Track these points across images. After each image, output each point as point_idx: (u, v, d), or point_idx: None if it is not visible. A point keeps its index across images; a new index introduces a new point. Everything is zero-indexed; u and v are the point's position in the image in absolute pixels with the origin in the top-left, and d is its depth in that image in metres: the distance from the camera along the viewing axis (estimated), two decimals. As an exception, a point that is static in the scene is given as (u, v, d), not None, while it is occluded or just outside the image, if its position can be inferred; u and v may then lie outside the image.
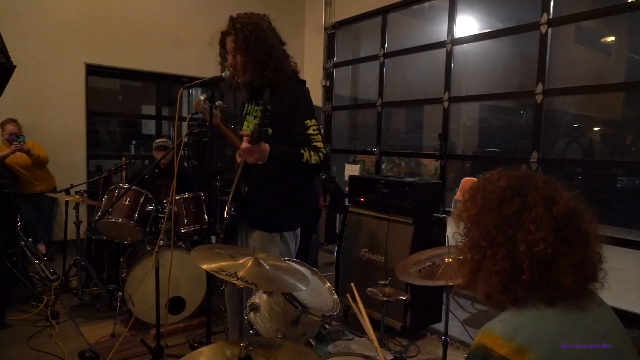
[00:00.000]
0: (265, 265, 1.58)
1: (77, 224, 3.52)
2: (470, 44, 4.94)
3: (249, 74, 2.09)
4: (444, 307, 2.80)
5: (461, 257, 1.06)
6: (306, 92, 2.12)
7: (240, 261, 1.58)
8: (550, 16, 4.01)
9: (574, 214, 0.97)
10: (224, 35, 2.11)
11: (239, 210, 2.08)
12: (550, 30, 4.03)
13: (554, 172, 4.31)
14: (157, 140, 4.18)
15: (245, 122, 2.24)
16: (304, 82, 2.18)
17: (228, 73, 2.07)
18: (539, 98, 4.09)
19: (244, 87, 2.21)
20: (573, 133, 5.13)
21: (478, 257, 1.01)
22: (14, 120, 4.63)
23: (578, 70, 5.14)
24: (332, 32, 6.55)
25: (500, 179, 1.03)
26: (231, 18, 2.10)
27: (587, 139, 5.33)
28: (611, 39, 5.62)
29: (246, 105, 2.28)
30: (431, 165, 6.42)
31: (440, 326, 3.31)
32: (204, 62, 5.73)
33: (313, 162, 1.91)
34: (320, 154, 1.94)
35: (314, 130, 1.97)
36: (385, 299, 2.34)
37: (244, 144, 1.75)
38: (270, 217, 2.11)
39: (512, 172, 1.06)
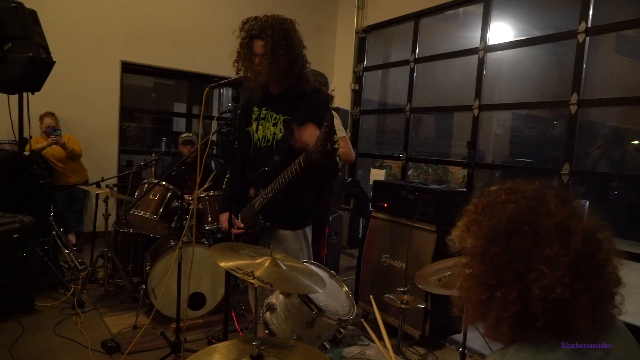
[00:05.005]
0: (282, 265, 1.58)
1: (106, 216, 3.63)
2: (504, 51, 4.84)
3: (271, 80, 2.11)
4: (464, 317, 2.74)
5: (464, 287, 0.94)
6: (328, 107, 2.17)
7: (258, 260, 1.58)
8: (589, 25, 3.89)
9: (590, 243, 0.86)
10: (252, 36, 2.04)
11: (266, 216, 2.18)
12: (588, 39, 3.91)
13: (586, 185, 4.18)
14: (183, 135, 4.30)
15: (260, 127, 2.19)
16: (326, 94, 2.25)
17: (250, 75, 2.07)
18: (573, 108, 3.96)
19: (258, 89, 2.17)
20: (609, 146, 4.95)
21: (485, 297, 0.89)
22: (52, 114, 4.81)
23: (618, 81, 4.95)
24: (363, 36, 6.54)
25: (508, 202, 0.90)
26: (261, 20, 2.04)
27: (624, 152, 5.13)
28: (655, 49, 5.39)
29: (257, 108, 2.23)
30: (459, 173, 6.31)
31: (460, 337, 3.24)
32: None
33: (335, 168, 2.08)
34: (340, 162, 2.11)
35: (337, 145, 2.07)
36: (403, 306, 2.31)
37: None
38: (294, 217, 2.22)
39: (521, 190, 0.92)
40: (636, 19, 3.83)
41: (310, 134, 1.87)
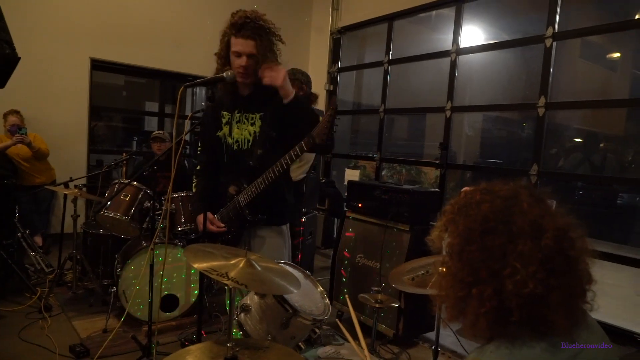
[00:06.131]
0: (257, 266, 1.58)
1: (75, 217, 3.53)
2: (475, 54, 4.95)
3: (252, 80, 2.11)
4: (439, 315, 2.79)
5: (442, 285, 0.97)
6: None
7: (232, 261, 1.57)
8: (556, 30, 4.02)
9: (562, 240, 0.89)
10: (245, 36, 2.02)
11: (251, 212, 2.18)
12: (555, 44, 4.04)
13: (553, 185, 4.31)
14: (154, 132, 4.30)
15: (236, 130, 2.19)
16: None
17: (230, 74, 2.06)
18: (540, 111, 4.09)
19: (227, 93, 2.19)
20: (575, 147, 5.12)
21: (462, 294, 0.92)
22: (17, 112, 4.65)
23: (582, 85, 5.14)
24: (338, 37, 6.57)
25: (483, 202, 0.94)
26: (252, 19, 2.02)
27: (589, 154, 5.32)
28: (617, 55, 5.62)
29: (228, 112, 2.22)
30: (432, 174, 6.40)
31: (433, 335, 3.30)
32: (208, 62, 5.76)
33: None
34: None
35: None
36: (377, 305, 2.33)
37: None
38: (277, 212, 2.25)
39: (495, 190, 0.96)
40: (599, 25, 3.98)
41: (277, 70, 1.99)
